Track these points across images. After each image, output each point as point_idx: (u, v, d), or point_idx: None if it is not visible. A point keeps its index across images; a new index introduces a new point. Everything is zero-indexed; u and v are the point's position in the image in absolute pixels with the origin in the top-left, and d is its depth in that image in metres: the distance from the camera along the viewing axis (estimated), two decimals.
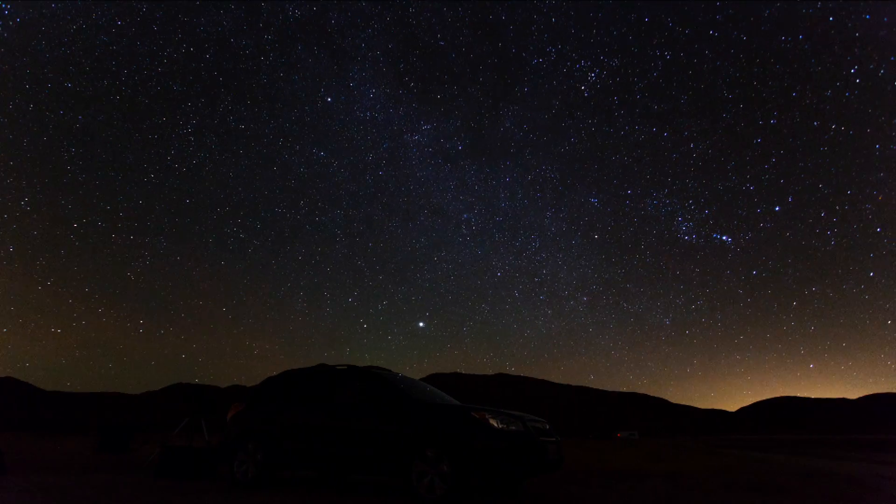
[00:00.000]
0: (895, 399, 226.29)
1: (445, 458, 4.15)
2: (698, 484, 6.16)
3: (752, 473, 7.88)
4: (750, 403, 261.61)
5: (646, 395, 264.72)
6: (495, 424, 4.20)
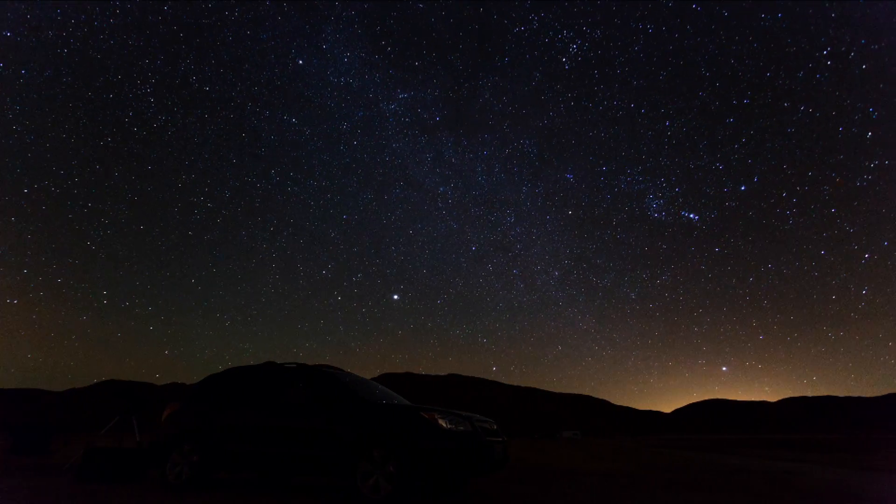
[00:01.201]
0: (807, 402, 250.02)
1: (392, 458, 4.13)
2: (634, 482, 6.48)
3: (682, 471, 8.39)
4: (683, 405, 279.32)
5: (590, 396, 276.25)
6: (444, 425, 4.23)
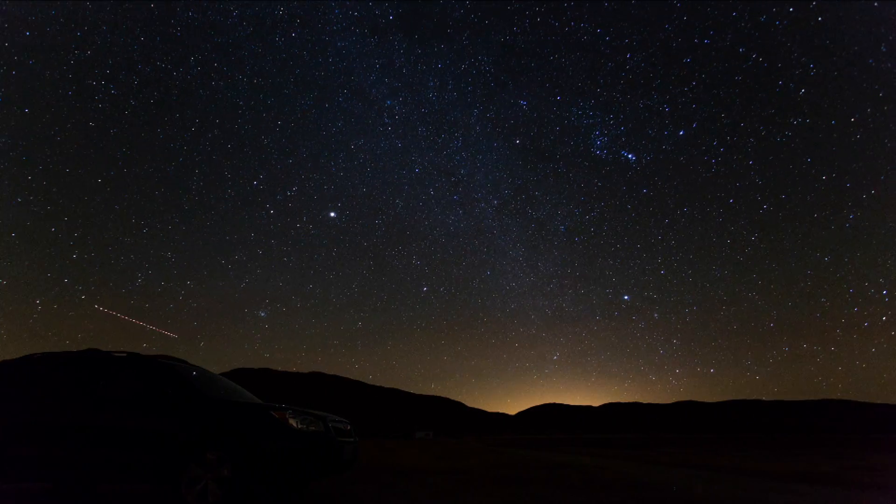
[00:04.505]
0: (623, 407, 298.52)
1: (229, 461, 3.79)
2: (475, 479, 6.96)
3: (518, 468, 9.27)
4: (525, 409, 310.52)
5: (446, 398, 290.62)
6: (295, 425, 4.02)
